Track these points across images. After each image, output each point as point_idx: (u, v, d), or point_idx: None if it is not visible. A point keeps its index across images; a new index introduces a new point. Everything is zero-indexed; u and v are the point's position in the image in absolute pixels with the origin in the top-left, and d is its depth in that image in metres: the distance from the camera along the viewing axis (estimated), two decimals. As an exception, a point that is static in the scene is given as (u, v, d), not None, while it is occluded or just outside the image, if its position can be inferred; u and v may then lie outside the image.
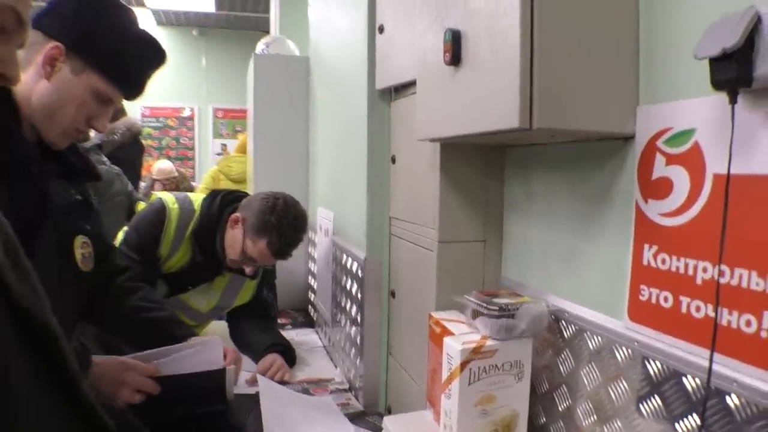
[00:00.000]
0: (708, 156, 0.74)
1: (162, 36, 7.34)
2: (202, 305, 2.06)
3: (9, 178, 1.00)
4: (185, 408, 1.30)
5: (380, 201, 1.59)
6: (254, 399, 1.52)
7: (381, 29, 1.52)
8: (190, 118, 7.66)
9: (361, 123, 1.61)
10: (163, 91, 7.35)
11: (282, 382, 1.80)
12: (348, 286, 1.83)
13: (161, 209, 1.90)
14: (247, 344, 2.02)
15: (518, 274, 1.23)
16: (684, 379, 0.77)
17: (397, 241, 1.55)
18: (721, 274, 0.71)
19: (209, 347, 1.28)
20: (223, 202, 1.96)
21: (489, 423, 1.03)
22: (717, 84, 0.64)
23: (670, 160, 0.80)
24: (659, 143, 0.82)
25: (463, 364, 0.99)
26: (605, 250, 0.95)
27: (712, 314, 0.73)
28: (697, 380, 0.75)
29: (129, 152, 2.91)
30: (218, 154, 7.92)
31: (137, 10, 5.80)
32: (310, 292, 2.69)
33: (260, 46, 2.85)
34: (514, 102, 0.79)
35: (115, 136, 2.81)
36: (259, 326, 2.10)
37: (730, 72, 0.62)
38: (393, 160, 1.56)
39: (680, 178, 0.78)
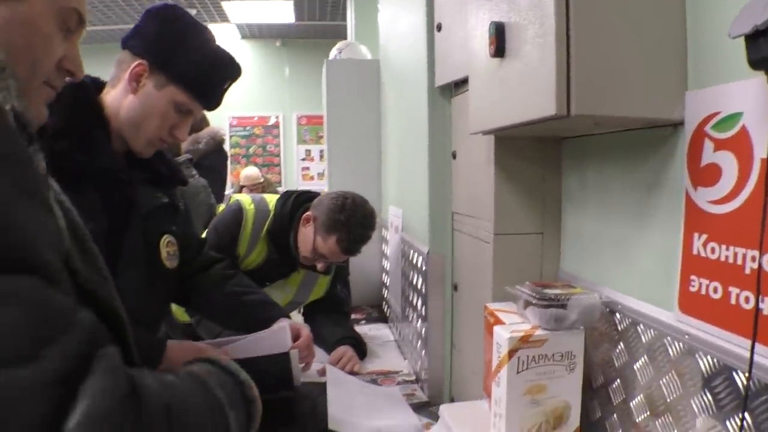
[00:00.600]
0: (756, 140, 0.71)
1: (247, 49, 7.75)
2: (278, 300, 2.17)
3: (100, 185, 1.13)
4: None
5: (442, 196, 1.62)
6: (322, 387, 1.60)
7: (439, 27, 1.55)
8: (276, 126, 8.03)
9: (423, 119, 1.65)
10: (249, 100, 7.76)
11: (352, 373, 1.87)
12: (414, 281, 1.87)
13: (238, 211, 2.04)
14: (320, 337, 2.11)
15: (575, 266, 1.21)
16: (734, 374, 0.74)
17: (459, 236, 1.58)
18: (755, 260, 0.68)
19: (278, 332, 1.36)
20: (296, 203, 2.07)
21: (539, 413, 1.03)
22: (753, 63, 0.62)
23: (719, 145, 0.77)
24: (707, 129, 0.79)
25: (511, 353, 1.01)
26: (656, 239, 0.93)
27: (761, 305, 0.70)
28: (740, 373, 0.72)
29: (213, 160, 3.11)
30: (302, 159, 8.23)
31: (222, 26, 6.13)
32: (383, 289, 2.76)
33: (333, 52, 2.96)
34: (551, 89, 0.80)
35: (200, 145, 3.02)
36: (332, 320, 2.19)
37: (765, 50, 0.60)
38: (454, 156, 1.59)
39: (728, 163, 0.76)
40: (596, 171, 1.11)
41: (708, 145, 0.79)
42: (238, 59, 1.33)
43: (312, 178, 8.18)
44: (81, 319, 0.48)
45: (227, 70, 1.28)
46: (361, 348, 2.07)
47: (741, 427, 0.69)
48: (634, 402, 0.97)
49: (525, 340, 1.01)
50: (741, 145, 0.73)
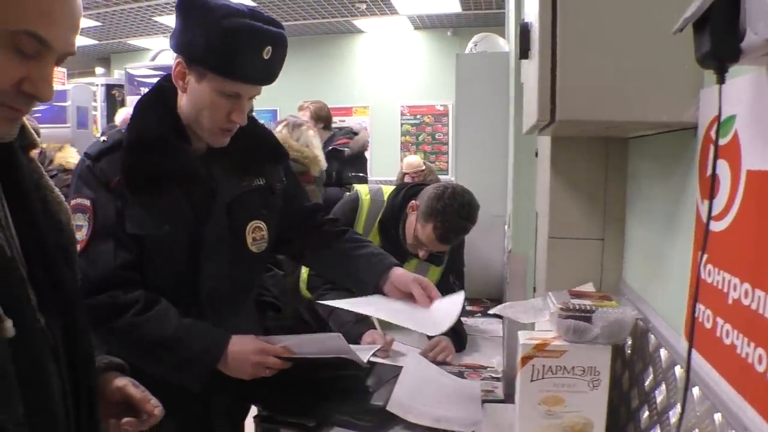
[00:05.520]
0: (744, 148, 0.62)
1: (420, 39, 7.99)
2: (391, 289, 2.29)
3: (182, 184, 1.22)
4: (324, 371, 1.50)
5: (525, 195, 1.58)
6: (397, 371, 1.68)
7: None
8: (445, 114, 8.16)
9: (511, 115, 1.62)
10: (420, 89, 8.01)
11: (443, 363, 1.92)
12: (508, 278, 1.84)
13: (355, 199, 2.19)
14: (425, 325, 2.19)
15: (634, 277, 1.11)
16: (715, 415, 0.65)
17: (539, 236, 1.52)
18: (736, 289, 0.60)
19: (334, 338, 1.37)
20: (407, 194, 2.15)
21: (556, 425, 0.99)
22: (699, 61, 0.55)
23: (719, 152, 0.68)
24: (712, 133, 0.70)
25: (525, 359, 0.98)
26: (681, 257, 0.83)
27: (736, 342, 0.61)
28: (725, 418, 0.63)
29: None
30: (470, 148, 8.24)
31: (393, 18, 6.39)
32: (505, 284, 2.72)
33: (469, 45, 2.96)
34: (535, 94, 0.78)
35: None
36: (439, 310, 2.24)
37: (706, 46, 0.52)
38: (536, 154, 1.53)
39: (724, 174, 0.66)
40: (647, 176, 1.01)
41: (712, 151, 0.70)
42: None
43: (479, 167, 8.13)
44: None
45: (248, 39, 1.14)
46: (460, 340, 2.09)
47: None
48: (654, 430, 0.89)
49: (540, 348, 0.98)
50: (733, 154, 0.64)
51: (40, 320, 0.72)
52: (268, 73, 1.19)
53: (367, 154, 3.98)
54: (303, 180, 2.85)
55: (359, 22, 7.80)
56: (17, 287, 0.69)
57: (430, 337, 2.07)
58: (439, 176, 5.21)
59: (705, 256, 0.71)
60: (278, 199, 1.43)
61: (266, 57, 1.15)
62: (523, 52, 0.95)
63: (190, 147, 1.24)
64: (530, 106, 0.92)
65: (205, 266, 1.27)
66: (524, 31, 0.94)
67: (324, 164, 2.98)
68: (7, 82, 0.62)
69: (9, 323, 0.63)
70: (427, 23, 7.76)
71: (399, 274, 1.43)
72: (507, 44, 2.94)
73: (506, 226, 2.47)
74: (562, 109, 0.75)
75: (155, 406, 0.90)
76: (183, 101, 1.22)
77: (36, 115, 4.27)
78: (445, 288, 2.28)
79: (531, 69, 0.91)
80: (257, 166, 1.35)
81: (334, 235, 1.55)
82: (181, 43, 1.17)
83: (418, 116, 8.24)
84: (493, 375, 1.84)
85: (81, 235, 1.14)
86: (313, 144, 2.90)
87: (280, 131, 2.96)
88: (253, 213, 1.35)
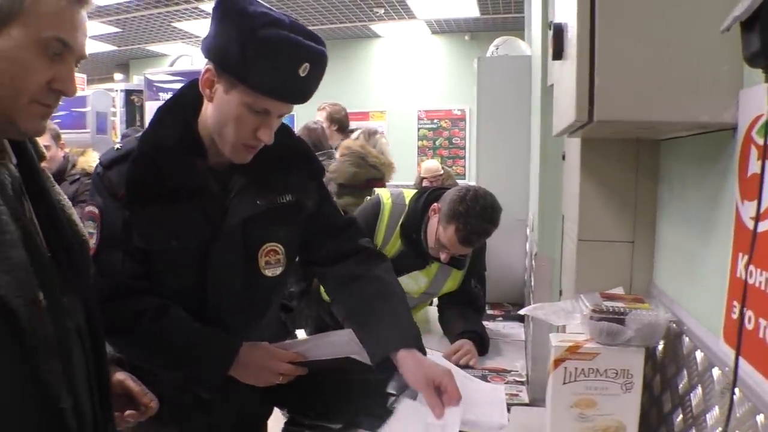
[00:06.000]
0: (790, 147, 0.61)
1: (437, 44, 8.00)
2: (413, 290, 2.29)
3: (193, 198, 1.15)
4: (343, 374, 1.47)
5: (552, 198, 1.57)
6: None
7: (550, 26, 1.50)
8: (462, 119, 8.15)
9: (537, 118, 1.62)
10: (438, 94, 8.02)
11: (466, 367, 1.91)
12: (531, 282, 1.83)
13: (377, 204, 2.19)
14: (447, 329, 2.19)
15: (665, 280, 1.11)
16: (757, 417, 0.65)
17: (566, 240, 1.52)
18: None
19: (344, 338, 1.32)
20: (429, 198, 2.15)
21: (588, 429, 0.99)
22: (748, 60, 0.55)
23: (761, 153, 0.67)
24: (753, 133, 0.69)
25: (557, 361, 0.98)
26: (717, 258, 0.82)
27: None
28: (770, 416, 0.63)
29: None
30: (487, 152, 8.23)
31: (411, 23, 6.38)
32: (526, 288, 2.70)
33: (491, 49, 2.96)
34: (572, 94, 0.78)
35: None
36: (461, 314, 2.23)
37: (755, 45, 0.52)
38: (563, 157, 1.53)
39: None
40: (681, 178, 1.01)
41: (753, 152, 0.69)
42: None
43: (496, 171, 8.11)
44: None
45: (286, 53, 1.04)
46: (482, 343, 2.08)
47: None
48: (690, 434, 0.88)
49: (573, 351, 0.98)
50: (778, 155, 0.63)
51: (64, 300, 0.80)
52: (302, 92, 1.09)
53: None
54: (377, 186, 2.86)
55: (377, 27, 7.84)
56: (43, 270, 0.76)
57: (452, 340, 2.08)
58: (457, 181, 5.20)
59: (746, 257, 0.70)
60: (305, 217, 1.33)
61: (302, 74, 1.05)
62: (557, 53, 0.95)
63: (204, 161, 1.16)
64: (564, 107, 0.92)
65: (213, 287, 1.21)
66: (558, 32, 0.94)
67: (395, 170, 3.00)
68: (41, 81, 0.73)
69: (41, 295, 0.73)
70: (445, 28, 7.78)
71: (408, 367, 1.28)
72: (528, 48, 2.94)
73: (528, 230, 2.46)
74: (601, 109, 0.76)
75: (152, 399, 0.99)
76: (208, 111, 1.13)
77: (56, 120, 4.34)
78: (467, 291, 2.30)
79: (565, 69, 0.91)
80: (284, 181, 1.25)
81: (355, 278, 1.39)
82: (212, 49, 1.08)
83: (435, 121, 8.25)
84: (517, 379, 1.83)
85: (91, 242, 1.10)
86: (386, 151, 2.93)
87: (356, 138, 3.00)
88: (269, 234, 1.26)
